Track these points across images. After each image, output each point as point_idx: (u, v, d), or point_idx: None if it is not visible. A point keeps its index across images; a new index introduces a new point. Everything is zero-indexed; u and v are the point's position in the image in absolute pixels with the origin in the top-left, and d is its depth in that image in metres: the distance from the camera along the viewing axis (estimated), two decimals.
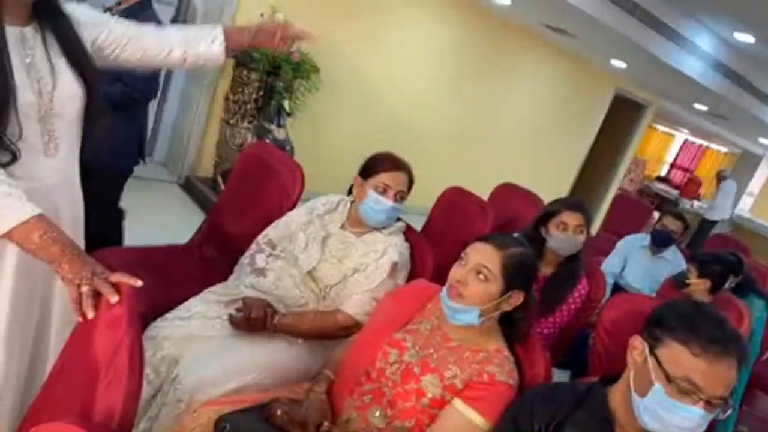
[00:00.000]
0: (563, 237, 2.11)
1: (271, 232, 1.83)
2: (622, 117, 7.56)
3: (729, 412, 1.00)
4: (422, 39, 5.02)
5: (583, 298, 2.20)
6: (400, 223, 1.84)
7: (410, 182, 1.78)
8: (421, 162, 5.38)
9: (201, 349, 1.55)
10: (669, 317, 1.08)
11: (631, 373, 1.10)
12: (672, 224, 3.49)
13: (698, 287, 2.60)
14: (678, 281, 2.72)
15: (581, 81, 6.54)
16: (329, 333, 1.62)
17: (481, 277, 1.28)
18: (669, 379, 1.03)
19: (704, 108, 7.17)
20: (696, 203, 10.02)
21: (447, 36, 5.16)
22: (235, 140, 3.80)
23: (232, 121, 3.89)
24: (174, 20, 3.94)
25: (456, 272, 1.32)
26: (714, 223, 8.81)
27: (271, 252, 1.78)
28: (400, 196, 1.74)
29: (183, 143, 4.18)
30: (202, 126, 4.11)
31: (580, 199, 2.25)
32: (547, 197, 7.35)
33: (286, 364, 1.59)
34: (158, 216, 3.48)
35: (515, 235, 1.68)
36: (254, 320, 1.58)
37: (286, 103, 3.74)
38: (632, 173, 11.06)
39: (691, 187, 10.74)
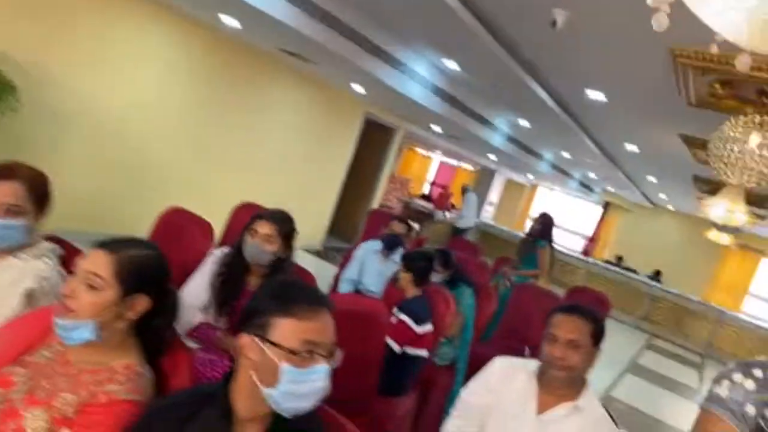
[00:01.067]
0: (249, 243, 2.10)
1: None
2: (375, 140, 8.18)
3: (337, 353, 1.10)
4: (152, 61, 4.74)
5: None
6: (47, 244, 1.59)
7: (29, 193, 1.50)
8: (163, 191, 5.07)
9: None
10: (262, 303, 1.08)
11: (252, 374, 1.06)
12: (399, 228, 3.81)
13: (405, 280, 2.82)
14: (393, 278, 2.94)
15: (331, 106, 6.89)
16: None
17: (91, 285, 1.14)
18: (293, 353, 1.04)
19: (440, 130, 8.13)
20: (448, 214, 11.28)
21: (180, 59, 4.97)
22: None
23: None
24: None
25: (64, 286, 1.16)
26: (464, 230, 10.03)
27: None
28: (14, 211, 1.47)
29: None
30: None
31: (279, 210, 2.26)
32: (312, 219, 7.54)
33: None
34: None
35: None
36: None
37: None
38: (398, 191, 12.07)
39: (442, 200, 12.06)
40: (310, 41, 4.16)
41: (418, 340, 2.70)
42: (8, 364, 1.17)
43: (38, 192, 1.53)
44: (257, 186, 6.17)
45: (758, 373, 1.14)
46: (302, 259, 6.89)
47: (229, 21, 4.31)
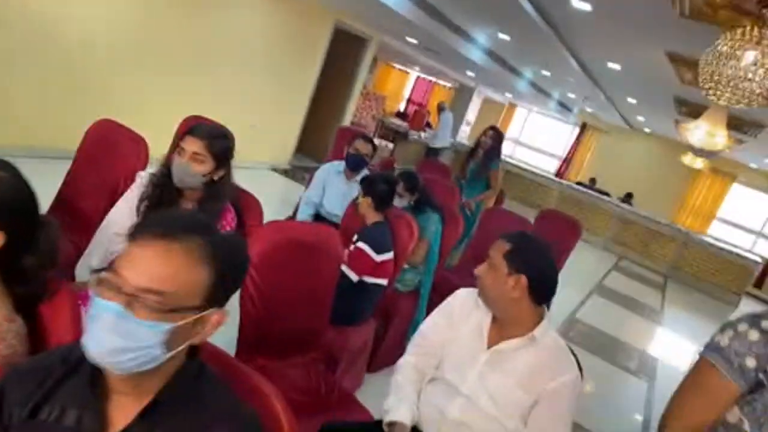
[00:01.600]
0: (176, 163, 1.83)
1: None
2: (346, 51, 7.66)
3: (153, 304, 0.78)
4: None
5: (232, 232, 1.98)
6: None
7: None
8: (105, 102, 4.63)
9: None
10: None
11: None
12: (363, 147, 3.54)
13: (364, 205, 2.61)
14: (353, 202, 2.71)
15: (295, 17, 6.33)
16: None
17: None
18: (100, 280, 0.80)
19: (416, 41, 7.63)
20: (423, 134, 10.96)
21: None
22: None
23: None
24: None
25: None
26: (438, 150, 9.76)
27: None
28: None
29: None
30: None
31: (212, 125, 1.97)
32: (278, 136, 7.16)
33: None
34: None
35: None
36: None
37: None
38: (373, 109, 11.61)
39: (417, 119, 11.68)
40: None
41: (377, 269, 2.53)
42: None
43: None
44: (212, 99, 5.74)
45: (766, 324, 1.04)
46: (268, 178, 6.70)
47: None
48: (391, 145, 10.46)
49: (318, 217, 3.53)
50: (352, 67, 7.93)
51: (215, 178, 1.92)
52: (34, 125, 4.30)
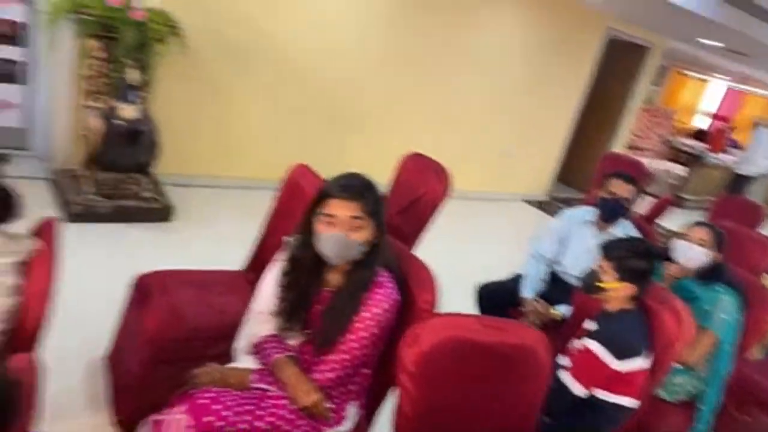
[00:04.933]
0: (327, 236, 1.37)
1: None
2: (620, 63, 6.52)
3: None
4: None
5: (386, 314, 1.44)
6: None
7: None
8: (359, 134, 4.62)
9: None
10: None
11: None
12: (621, 189, 2.63)
13: (617, 293, 1.77)
14: (588, 284, 1.87)
15: (560, 24, 5.53)
16: None
17: None
18: None
19: (714, 43, 6.01)
20: (727, 156, 8.77)
21: None
22: (81, 126, 3.16)
23: (84, 102, 3.25)
24: None
25: None
26: (747, 179, 7.63)
27: None
28: None
29: (52, 133, 3.59)
30: (67, 110, 3.49)
31: (360, 177, 1.46)
32: (535, 163, 6.44)
33: None
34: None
35: None
36: None
37: (132, 74, 3.05)
38: (661, 127, 9.79)
39: (718, 138, 9.41)
40: None
41: (615, 382, 1.68)
42: None
43: None
44: (460, 117, 5.36)
45: None
46: (519, 211, 6.01)
47: None
48: (681, 171, 8.57)
49: (553, 278, 2.76)
50: (628, 81, 6.70)
51: (376, 242, 1.44)
52: (282, 160, 4.52)
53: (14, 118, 3.75)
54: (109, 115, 3.08)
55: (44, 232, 1.25)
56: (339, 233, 1.37)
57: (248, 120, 4.19)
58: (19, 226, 1.24)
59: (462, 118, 5.38)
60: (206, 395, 1.35)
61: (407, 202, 2.81)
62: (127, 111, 3.07)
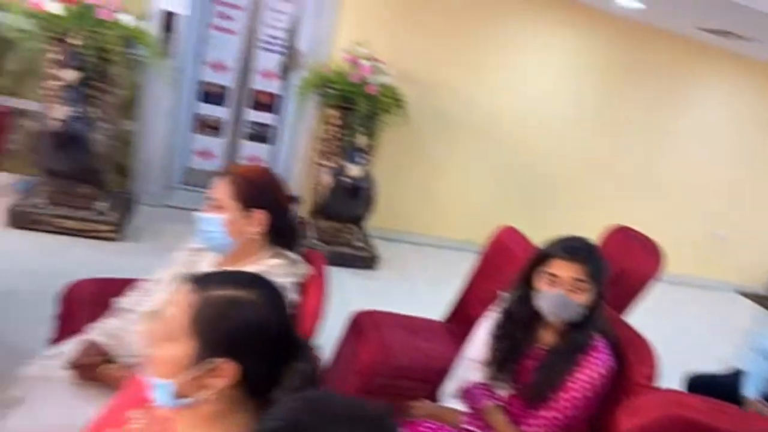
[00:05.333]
0: (549, 295, 1.46)
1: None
2: None
3: None
4: (549, 58, 4.39)
5: (602, 379, 1.46)
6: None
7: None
8: (557, 207, 4.65)
9: (46, 393, 1.39)
10: None
11: None
12: None
13: None
14: None
15: None
16: None
17: (167, 333, 0.85)
18: None
19: None
20: None
21: (578, 53, 4.43)
22: (313, 180, 3.71)
23: (317, 161, 3.83)
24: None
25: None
26: None
27: (147, 292, 1.54)
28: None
29: (290, 184, 4.26)
30: (303, 167, 4.12)
31: (585, 241, 1.54)
32: (753, 248, 5.73)
33: None
34: None
35: None
36: (81, 367, 1.37)
37: (361, 139, 3.53)
38: None
39: None
40: (741, 11, 2.98)
41: None
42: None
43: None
44: (669, 202, 5.03)
45: None
46: (731, 304, 5.32)
47: (628, 2, 3.53)
48: None
49: None
50: None
51: (595, 306, 1.49)
52: (484, 225, 4.69)
53: None
54: (337, 172, 3.58)
55: (313, 260, 1.55)
56: (561, 293, 1.45)
57: (453, 185, 4.49)
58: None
59: (667, 192, 5.06)
60: (427, 424, 1.49)
61: (612, 276, 2.75)
62: (353, 170, 3.54)
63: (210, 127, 4.33)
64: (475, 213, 4.55)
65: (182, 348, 0.83)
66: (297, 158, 4.14)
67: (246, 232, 1.37)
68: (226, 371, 0.82)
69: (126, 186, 3.78)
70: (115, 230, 3.25)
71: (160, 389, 0.85)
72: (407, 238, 4.47)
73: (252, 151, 4.48)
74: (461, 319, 2.41)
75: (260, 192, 1.39)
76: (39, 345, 1.79)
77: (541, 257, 1.51)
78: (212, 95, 4.24)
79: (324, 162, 3.76)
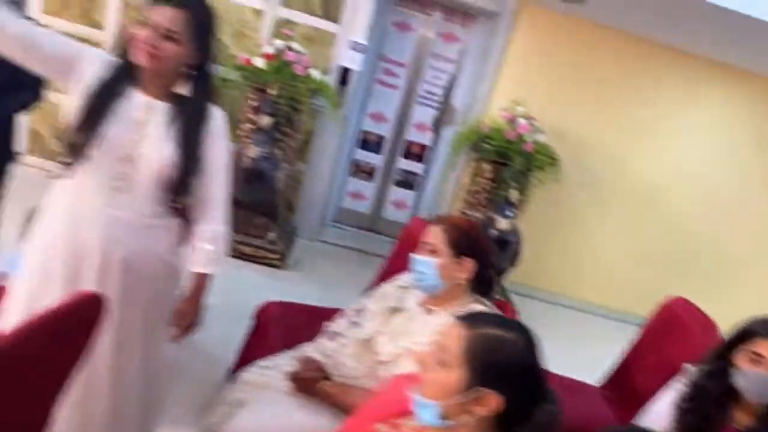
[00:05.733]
0: (752, 374, 1.42)
1: (365, 300, 1.78)
2: None
3: None
4: (711, 128, 4.24)
5: None
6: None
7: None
8: (713, 280, 4.43)
9: (267, 399, 1.59)
10: None
11: None
12: None
13: None
14: None
15: None
16: None
17: (440, 360, 0.98)
18: None
19: None
20: None
21: (744, 125, 4.22)
22: None
23: (466, 212, 3.97)
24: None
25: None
26: None
27: (354, 319, 1.72)
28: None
29: None
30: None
31: None
32: None
33: None
34: None
35: None
36: (301, 380, 1.56)
37: (512, 194, 3.62)
38: None
39: None
40: None
41: None
42: (381, 422, 1.15)
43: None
44: None
45: None
46: None
47: None
48: None
49: None
50: None
51: None
52: (633, 295, 4.50)
53: (404, 216, 4.77)
54: (487, 224, 3.68)
55: (505, 310, 1.65)
56: (765, 373, 1.41)
57: (597, 249, 4.42)
58: None
59: None
60: None
61: None
62: (503, 223, 3.62)
63: (364, 171, 4.66)
64: (616, 280, 4.43)
65: (455, 375, 0.96)
66: (441, 206, 4.32)
67: (455, 277, 1.51)
68: (491, 401, 0.94)
69: (290, 220, 4.17)
70: (281, 258, 3.60)
71: (426, 408, 0.99)
72: (542, 296, 4.42)
73: (398, 196, 4.74)
74: (621, 386, 2.36)
75: (471, 242, 1.53)
76: (232, 354, 2.06)
77: (744, 334, 1.49)
78: (370, 143, 4.58)
79: (469, 212, 3.89)
